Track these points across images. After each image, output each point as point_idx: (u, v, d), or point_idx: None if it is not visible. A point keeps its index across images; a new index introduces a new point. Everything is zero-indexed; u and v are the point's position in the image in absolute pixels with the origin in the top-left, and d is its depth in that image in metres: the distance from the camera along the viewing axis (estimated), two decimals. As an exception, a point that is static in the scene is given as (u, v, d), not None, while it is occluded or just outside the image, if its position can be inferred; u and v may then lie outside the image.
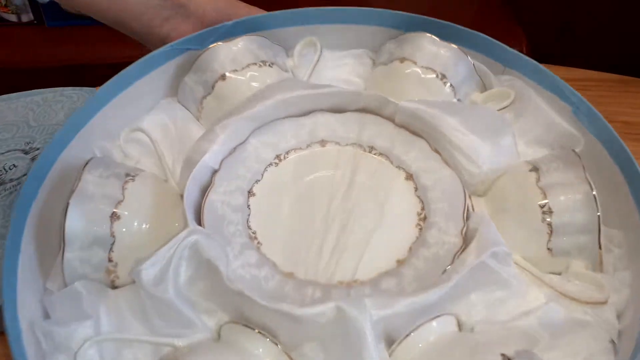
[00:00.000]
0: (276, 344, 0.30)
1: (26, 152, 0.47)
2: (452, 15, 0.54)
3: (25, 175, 0.45)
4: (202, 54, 0.44)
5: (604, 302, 0.32)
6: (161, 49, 0.44)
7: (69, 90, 0.54)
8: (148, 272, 0.31)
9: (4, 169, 0.46)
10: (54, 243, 0.36)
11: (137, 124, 0.43)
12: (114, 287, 0.35)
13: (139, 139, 0.42)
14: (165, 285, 0.31)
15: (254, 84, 0.43)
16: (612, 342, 0.31)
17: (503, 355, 0.28)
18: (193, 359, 0.29)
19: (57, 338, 0.31)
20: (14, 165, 0.46)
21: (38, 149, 0.47)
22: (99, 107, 0.41)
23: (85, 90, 0.54)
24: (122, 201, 0.35)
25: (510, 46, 0.45)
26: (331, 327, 0.29)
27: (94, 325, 0.31)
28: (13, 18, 0.71)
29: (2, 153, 0.47)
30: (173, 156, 0.41)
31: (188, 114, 0.45)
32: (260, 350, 0.30)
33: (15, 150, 0.47)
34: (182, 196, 0.35)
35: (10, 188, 0.44)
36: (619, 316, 0.32)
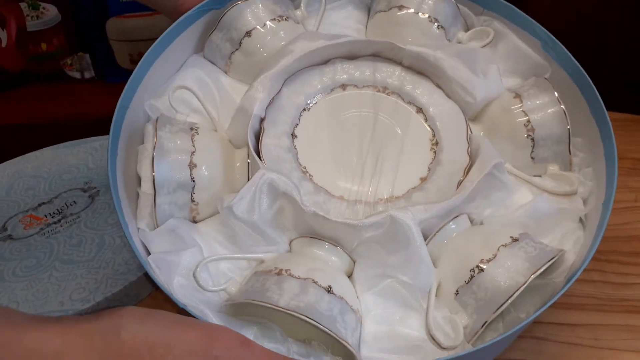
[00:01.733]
0: (339, 248, 0.41)
1: (85, 190, 0.57)
2: None
3: (84, 209, 0.54)
4: (226, 13, 0.50)
5: (574, 193, 0.44)
6: (190, 12, 0.50)
7: None
8: (238, 205, 0.40)
9: (66, 205, 0.55)
10: (133, 187, 0.44)
11: (177, 81, 0.49)
12: (194, 222, 0.44)
13: (183, 95, 0.49)
14: (251, 214, 0.40)
15: (274, 37, 0.50)
16: (581, 220, 0.44)
17: (512, 237, 0.39)
18: (280, 264, 0.39)
19: (170, 264, 0.39)
20: (74, 202, 0.55)
21: (95, 187, 0.56)
22: (146, 70, 0.47)
23: None
24: (194, 152, 0.43)
25: None
26: (384, 233, 0.40)
27: (198, 251, 0.40)
28: (77, 75, 0.82)
29: (65, 191, 0.56)
30: (216, 108, 0.49)
31: (216, 68, 0.52)
32: (328, 253, 0.40)
33: (76, 189, 0.57)
34: (248, 147, 0.43)
35: (70, 221, 0.54)
36: (584, 202, 0.44)
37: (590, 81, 0.46)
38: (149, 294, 0.51)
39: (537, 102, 0.46)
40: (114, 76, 0.81)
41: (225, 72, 0.52)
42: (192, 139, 0.43)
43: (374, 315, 0.39)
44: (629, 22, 0.68)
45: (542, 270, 0.37)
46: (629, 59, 0.70)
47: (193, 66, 0.51)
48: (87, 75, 0.80)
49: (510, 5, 0.52)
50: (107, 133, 0.43)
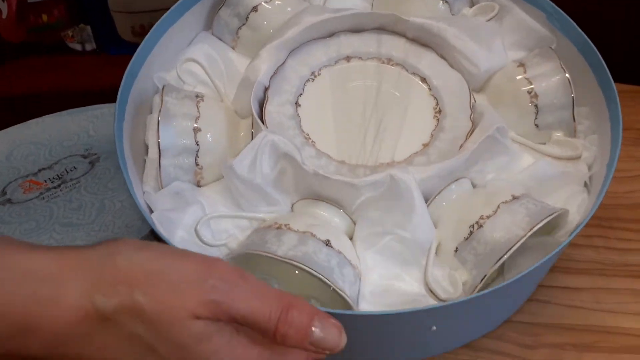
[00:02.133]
0: (340, 209, 0.41)
1: (85, 157, 0.57)
2: None
3: (84, 175, 0.55)
4: (233, -11, 0.51)
5: (579, 157, 0.44)
6: (195, -12, 0.51)
7: None
8: (239, 165, 0.40)
9: (66, 171, 0.56)
10: (139, 154, 0.45)
11: (186, 54, 0.51)
12: (199, 186, 0.45)
13: (191, 68, 0.50)
14: (253, 174, 0.41)
15: (281, 12, 0.51)
16: (585, 184, 0.43)
17: (512, 195, 0.39)
18: (280, 220, 0.39)
19: (173, 220, 0.40)
20: (75, 167, 0.56)
21: (96, 154, 0.57)
22: (155, 42, 0.49)
23: None
24: (199, 117, 0.44)
25: None
26: (384, 192, 0.40)
27: (200, 209, 0.41)
28: (78, 47, 0.81)
29: (66, 157, 0.57)
30: (222, 81, 0.50)
31: (224, 44, 0.53)
32: (328, 213, 0.41)
33: (76, 155, 0.57)
34: (252, 113, 0.44)
35: (70, 186, 0.54)
36: (589, 167, 0.44)
37: (596, 49, 0.46)
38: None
39: (541, 69, 0.46)
40: (116, 48, 0.80)
41: (233, 48, 0.53)
42: (197, 105, 0.44)
43: (374, 272, 0.40)
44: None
45: (542, 223, 0.36)
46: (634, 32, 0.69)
47: (201, 42, 0.52)
48: (88, 47, 0.79)
49: (515, -22, 0.52)
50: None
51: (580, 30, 0.48)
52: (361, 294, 0.38)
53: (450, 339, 0.43)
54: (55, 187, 0.54)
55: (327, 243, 0.37)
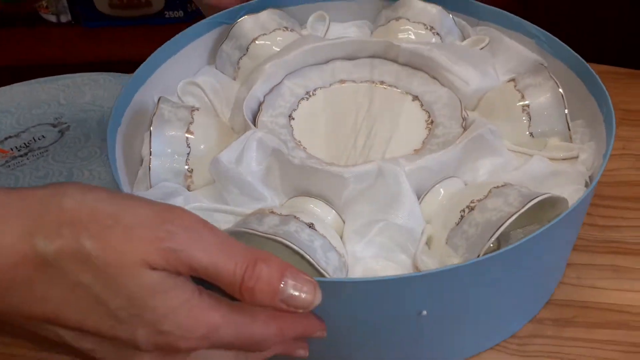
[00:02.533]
0: (330, 206, 0.40)
1: (54, 126, 0.55)
2: None
3: (52, 143, 0.54)
4: (236, 24, 0.55)
5: (576, 157, 0.43)
6: (201, 22, 0.55)
7: (94, 75, 0.64)
8: (225, 156, 0.40)
9: (34, 139, 0.54)
10: (135, 161, 0.45)
11: (188, 80, 0.53)
12: (189, 190, 0.44)
13: (192, 91, 0.52)
14: (239, 167, 0.40)
15: (280, 44, 0.54)
16: (586, 183, 0.41)
17: (505, 183, 0.38)
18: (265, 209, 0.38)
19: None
20: (43, 136, 0.54)
21: (66, 123, 0.56)
22: (155, 68, 0.52)
23: (110, 74, 0.63)
24: (192, 122, 0.45)
25: None
26: (373, 184, 0.39)
27: (184, 201, 0.40)
28: (53, 19, 0.79)
29: (34, 125, 0.55)
30: (222, 103, 0.51)
31: (226, 77, 0.55)
32: (316, 208, 0.40)
33: (45, 124, 0.55)
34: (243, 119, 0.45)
35: (37, 154, 0.53)
36: (588, 169, 0.43)
37: (584, 61, 0.47)
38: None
39: (531, 80, 0.47)
40: (92, 21, 0.79)
41: (234, 79, 0.55)
42: (191, 113, 0.46)
43: (363, 263, 0.37)
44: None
45: (537, 200, 0.35)
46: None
47: (204, 74, 0.55)
48: (64, 19, 0.77)
49: (501, 10, 0.55)
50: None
51: (569, 48, 0.49)
52: (348, 282, 0.36)
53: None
54: (22, 156, 0.51)
55: (311, 226, 0.36)
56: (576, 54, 0.48)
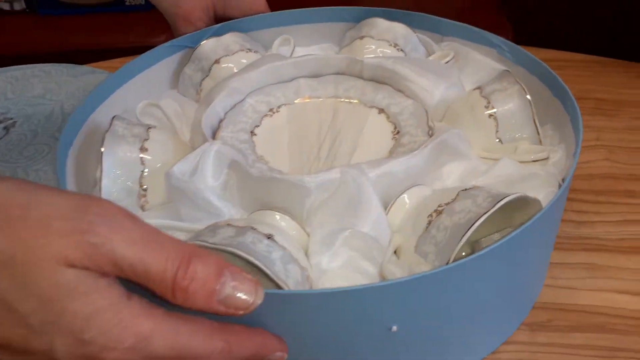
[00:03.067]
0: (293, 219, 0.37)
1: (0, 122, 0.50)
2: (438, 8, 0.61)
3: None
4: (198, 47, 0.53)
5: (547, 158, 0.40)
6: (163, 45, 0.53)
7: (47, 66, 0.59)
8: (179, 167, 0.37)
9: None
10: (88, 180, 0.42)
11: (147, 101, 0.50)
12: (143, 211, 0.41)
13: (153, 113, 0.50)
14: (195, 180, 0.37)
15: (243, 66, 0.52)
16: (559, 185, 0.39)
17: (474, 185, 0.35)
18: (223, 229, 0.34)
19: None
20: None
21: (12, 118, 0.50)
22: (114, 89, 0.49)
23: (63, 65, 0.59)
24: (147, 139, 0.42)
25: (496, 34, 0.54)
26: (336, 192, 0.36)
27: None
28: (6, 6, 0.73)
29: None
30: (183, 131, 0.49)
31: (189, 100, 0.53)
32: (282, 223, 0.36)
33: None
34: (201, 131, 0.42)
35: None
36: (560, 171, 0.40)
37: (546, 66, 0.46)
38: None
39: (496, 86, 0.45)
40: (48, 8, 0.72)
41: (197, 101, 0.53)
42: (147, 131, 0.43)
43: (329, 277, 0.34)
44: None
45: (508, 199, 0.32)
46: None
47: (166, 97, 0.53)
48: (17, 6, 0.71)
49: (463, 24, 0.54)
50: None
51: (529, 53, 0.48)
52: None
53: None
54: (-39, 154, 0.45)
55: (270, 237, 0.33)
56: (537, 59, 0.47)
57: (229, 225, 0.33)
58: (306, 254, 0.37)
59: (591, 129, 0.54)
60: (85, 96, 0.46)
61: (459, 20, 0.54)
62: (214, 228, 0.33)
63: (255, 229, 0.33)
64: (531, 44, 0.69)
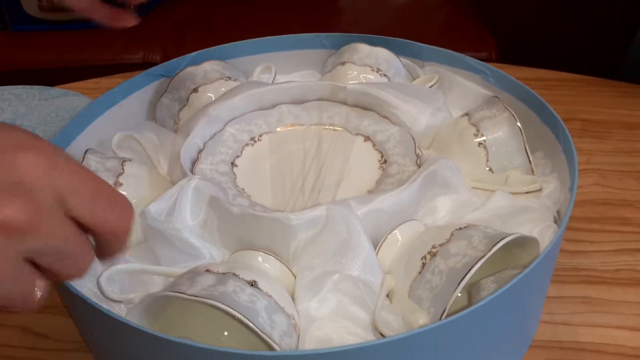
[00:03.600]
0: (277, 259, 0.34)
1: None
2: (420, 25, 0.58)
3: None
4: (176, 76, 0.50)
5: (539, 190, 0.38)
6: (139, 75, 0.50)
7: (18, 89, 0.56)
8: (156, 206, 0.34)
9: None
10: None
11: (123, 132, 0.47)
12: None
13: (129, 145, 0.46)
14: (172, 218, 0.34)
15: (221, 93, 0.49)
16: (555, 218, 0.37)
17: (468, 224, 0.33)
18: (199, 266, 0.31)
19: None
20: None
21: None
22: (89, 121, 0.46)
23: (35, 88, 0.56)
24: (122, 173, 0.39)
25: (480, 51, 0.53)
26: (323, 230, 0.33)
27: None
28: None
29: None
30: (161, 163, 0.46)
31: (166, 130, 0.50)
32: (265, 264, 0.33)
33: None
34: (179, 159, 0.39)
35: None
36: (554, 202, 0.38)
37: (533, 92, 0.44)
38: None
39: (485, 112, 0.43)
40: (20, 24, 0.69)
41: (175, 132, 0.50)
42: (122, 165, 0.40)
43: (318, 325, 0.31)
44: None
45: (505, 241, 0.29)
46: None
47: (143, 128, 0.49)
48: None
49: (445, 50, 0.52)
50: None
51: (514, 79, 0.46)
52: (303, 349, 0.29)
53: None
54: None
55: (253, 284, 0.30)
56: (523, 85, 0.45)
57: (208, 271, 0.30)
58: (292, 297, 0.34)
59: (581, 151, 0.52)
60: (59, 129, 0.42)
61: (442, 37, 0.53)
62: (192, 276, 0.30)
63: (237, 276, 0.30)
64: (515, 59, 0.68)
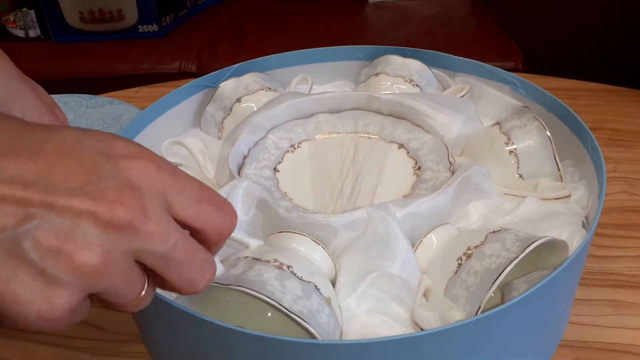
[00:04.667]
0: (321, 247, 0.35)
1: None
2: (446, 36, 0.58)
3: None
4: (219, 87, 0.53)
5: (568, 196, 0.39)
6: (184, 86, 0.53)
7: (67, 97, 0.58)
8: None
9: None
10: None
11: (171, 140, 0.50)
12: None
13: (177, 151, 0.49)
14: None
15: (263, 103, 0.51)
16: (583, 223, 0.38)
17: (501, 227, 0.34)
18: (280, 258, 0.32)
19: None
20: None
21: None
22: (141, 128, 0.49)
23: (81, 96, 0.58)
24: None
25: (507, 61, 0.54)
26: (363, 232, 0.35)
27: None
28: (21, 33, 0.71)
29: None
30: (207, 167, 0.48)
31: (211, 138, 0.52)
32: (309, 250, 0.34)
33: None
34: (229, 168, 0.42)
35: None
36: (583, 208, 0.39)
37: (562, 102, 0.45)
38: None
39: (515, 122, 0.44)
40: (63, 35, 0.70)
41: (219, 139, 0.52)
42: (174, 170, 0.42)
43: (357, 320, 0.33)
44: None
45: (536, 244, 0.31)
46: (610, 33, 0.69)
47: (189, 135, 0.52)
48: (32, 33, 0.69)
49: (476, 61, 0.53)
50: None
51: (544, 90, 0.47)
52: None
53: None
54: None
55: (329, 302, 0.31)
56: (552, 96, 0.46)
57: (292, 273, 0.31)
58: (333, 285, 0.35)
59: (608, 160, 0.53)
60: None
61: (469, 49, 0.54)
62: (280, 277, 0.31)
63: (318, 289, 0.31)
64: (541, 70, 0.68)
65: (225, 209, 0.24)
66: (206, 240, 0.23)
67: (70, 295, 0.20)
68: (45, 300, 0.20)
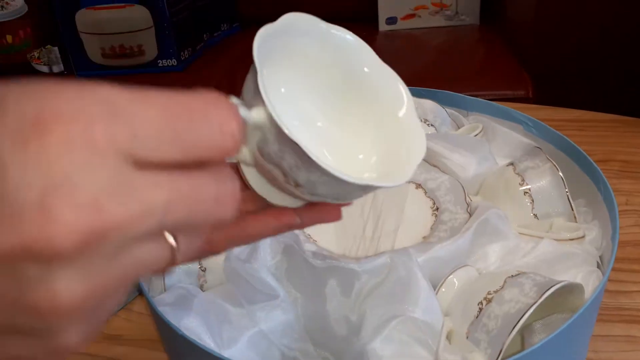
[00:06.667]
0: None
1: None
2: (457, 65, 0.59)
3: None
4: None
5: (583, 237, 0.40)
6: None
7: None
8: (238, 249, 0.38)
9: None
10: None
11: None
12: (203, 290, 0.41)
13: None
14: (252, 259, 0.38)
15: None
16: (598, 264, 0.39)
17: (519, 271, 0.35)
18: None
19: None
20: None
21: None
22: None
23: None
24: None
25: (517, 89, 0.54)
26: (386, 277, 0.36)
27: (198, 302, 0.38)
28: (45, 69, 0.72)
29: None
30: None
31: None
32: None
33: None
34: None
35: None
36: (597, 248, 0.40)
37: (573, 143, 0.46)
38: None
39: (529, 163, 0.45)
40: (85, 70, 0.71)
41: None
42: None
43: (386, 358, 0.34)
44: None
45: (554, 289, 0.32)
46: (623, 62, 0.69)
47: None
48: (56, 69, 0.70)
49: (488, 101, 0.54)
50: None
51: (555, 130, 0.48)
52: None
53: None
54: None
55: None
56: (564, 136, 0.47)
57: None
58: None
59: (620, 192, 0.53)
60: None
61: (480, 76, 0.55)
62: None
63: None
64: (551, 98, 0.69)
65: (212, 116, 0.17)
66: (210, 163, 0.17)
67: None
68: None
